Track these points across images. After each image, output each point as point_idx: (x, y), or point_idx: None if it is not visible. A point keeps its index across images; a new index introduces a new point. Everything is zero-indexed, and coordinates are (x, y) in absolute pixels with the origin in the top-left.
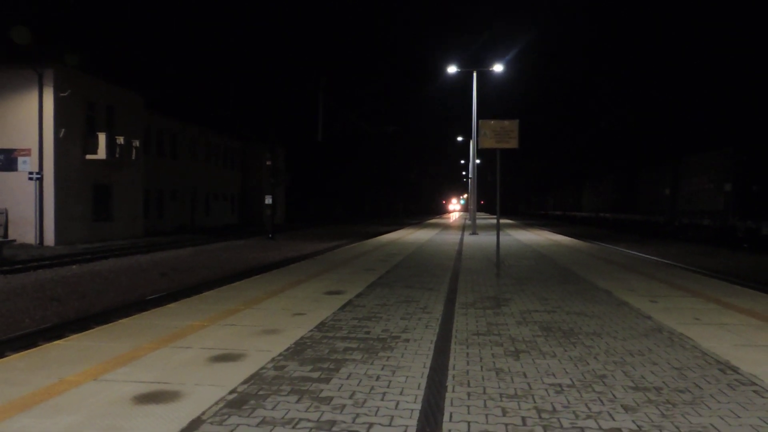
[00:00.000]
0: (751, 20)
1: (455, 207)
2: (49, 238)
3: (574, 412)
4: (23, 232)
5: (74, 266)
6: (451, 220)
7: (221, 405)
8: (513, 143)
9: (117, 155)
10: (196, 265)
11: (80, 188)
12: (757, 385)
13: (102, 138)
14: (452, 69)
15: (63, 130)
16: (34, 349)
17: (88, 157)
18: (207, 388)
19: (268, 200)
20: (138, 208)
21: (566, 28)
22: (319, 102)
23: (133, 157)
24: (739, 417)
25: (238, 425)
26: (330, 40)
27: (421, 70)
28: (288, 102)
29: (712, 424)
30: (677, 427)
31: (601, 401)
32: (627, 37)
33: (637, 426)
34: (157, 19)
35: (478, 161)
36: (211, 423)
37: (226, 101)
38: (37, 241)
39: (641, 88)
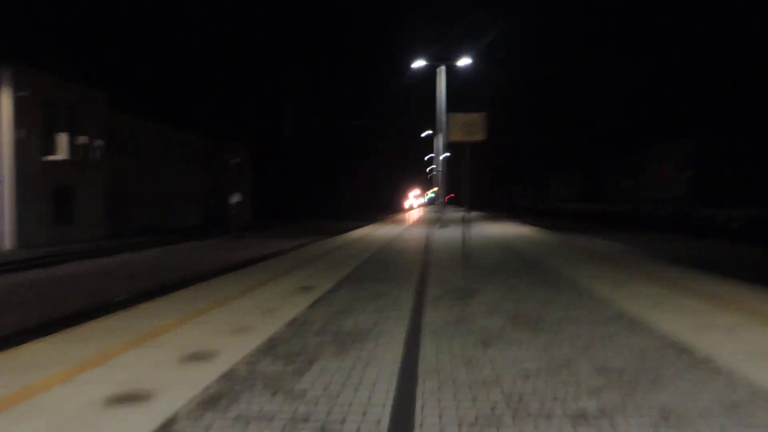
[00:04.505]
0: (718, 13)
1: (421, 201)
2: (8, 242)
3: (541, 397)
4: None
5: (36, 270)
6: (420, 215)
7: (195, 403)
8: (481, 135)
9: (79, 156)
10: (164, 266)
11: (41, 190)
12: (713, 362)
13: (63, 138)
14: (419, 63)
15: (23, 130)
16: None
17: (49, 158)
18: (180, 387)
19: (235, 198)
20: (101, 209)
21: (532, 20)
22: (286, 99)
23: (97, 158)
24: (697, 395)
25: (213, 422)
26: (296, 39)
27: (386, 64)
28: (254, 100)
29: (671, 403)
30: (638, 408)
31: (567, 386)
32: (593, 27)
33: (601, 408)
34: (119, 16)
35: (447, 154)
36: (187, 420)
37: (192, 100)
38: None
39: (607, 79)
